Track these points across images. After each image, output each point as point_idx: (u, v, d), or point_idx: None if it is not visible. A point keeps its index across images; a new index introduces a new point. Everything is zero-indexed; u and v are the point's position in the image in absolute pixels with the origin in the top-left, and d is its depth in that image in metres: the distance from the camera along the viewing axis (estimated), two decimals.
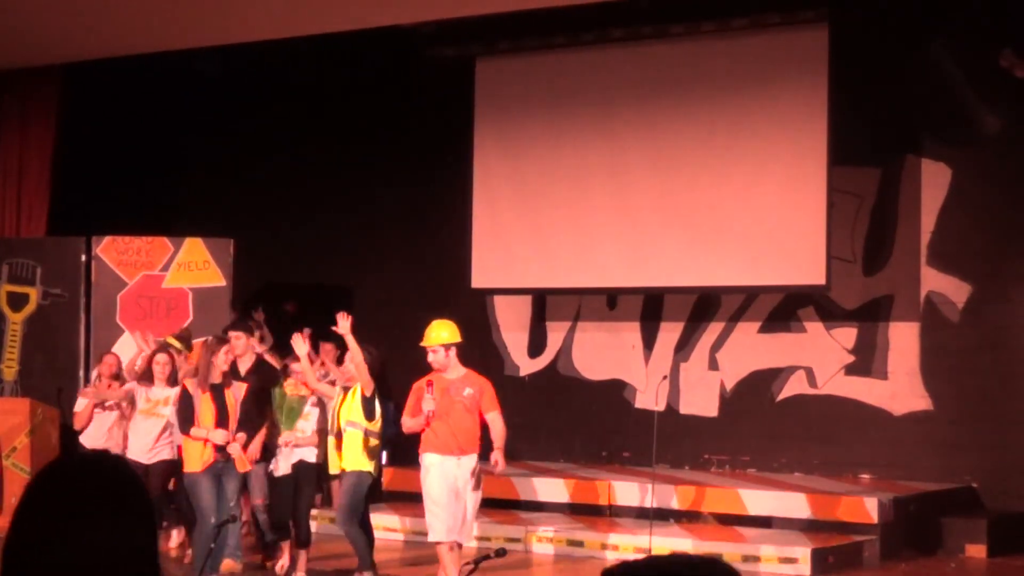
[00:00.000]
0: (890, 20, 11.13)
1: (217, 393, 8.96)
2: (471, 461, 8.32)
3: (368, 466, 8.67)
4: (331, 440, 8.85)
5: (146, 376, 9.73)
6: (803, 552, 9.69)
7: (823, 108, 11.14)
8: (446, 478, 8.20)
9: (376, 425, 8.69)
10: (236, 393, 8.97)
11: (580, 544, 10.37)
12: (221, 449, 8.86)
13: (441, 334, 8.27)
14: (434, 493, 8.27)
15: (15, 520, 2.04)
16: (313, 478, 9.23)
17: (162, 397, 9.54)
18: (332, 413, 8.84)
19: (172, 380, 9.57)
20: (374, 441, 8.68)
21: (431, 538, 8.45)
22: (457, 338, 8.34)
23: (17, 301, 12.60)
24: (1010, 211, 11.11)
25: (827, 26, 11.17)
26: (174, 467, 9.50)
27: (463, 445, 8.21)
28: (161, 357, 9.68)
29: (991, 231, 11.24)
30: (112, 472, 2.12)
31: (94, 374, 10.92)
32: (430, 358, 8.29)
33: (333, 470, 8.89)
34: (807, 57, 11.29)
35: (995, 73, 10.72)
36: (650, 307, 12.72)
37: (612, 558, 10.13)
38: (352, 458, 8.63)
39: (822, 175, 11.18)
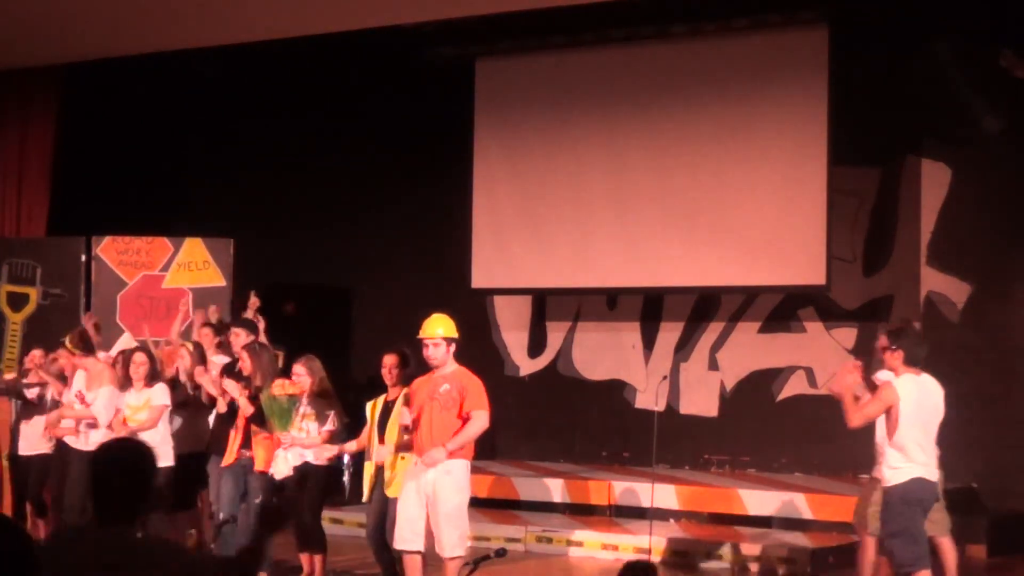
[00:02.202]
0: (890, 20, 11.13)
1: (254, 395, 9.00)
2: (443, 468, 7.70)
3: None
4: (368, 466, 8.42)
5: (125, 380, 9.28)
6: (803, 552, 9.69)
7: (823, 108, 11.15)
8: (414, 481, 7.80)
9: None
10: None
11: (580, 544, 10.37)
12: (245, 447, 8.87)
13: (436, 329, 7.86)
14: (400, 496, 7.93)
15: None
16: (321, 479, 8.76)
17: (140, 403, 9.11)
18: (370, 438, 8.44)
19: (151, 380, 9.16)
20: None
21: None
22: (452, 333, 7.89)
23: (17, 301, 12.60)
24: (1010, 211, 11.11)
25: (827, 26, 11.18)
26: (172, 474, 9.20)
27: (435, 446, 7.71)
28: (139, 357, 9.22)
29: (991, 231, 11.24)
30: None
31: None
32: (430, 351, 7.85)
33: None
34: (807, 57, 11.29)
35: (995, 73, 10.72)
36: (650, 307, 12.72)
37: (612, 558, 10.13)
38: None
39: (822, 175, 11.18)
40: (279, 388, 8.79)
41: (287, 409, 8.67)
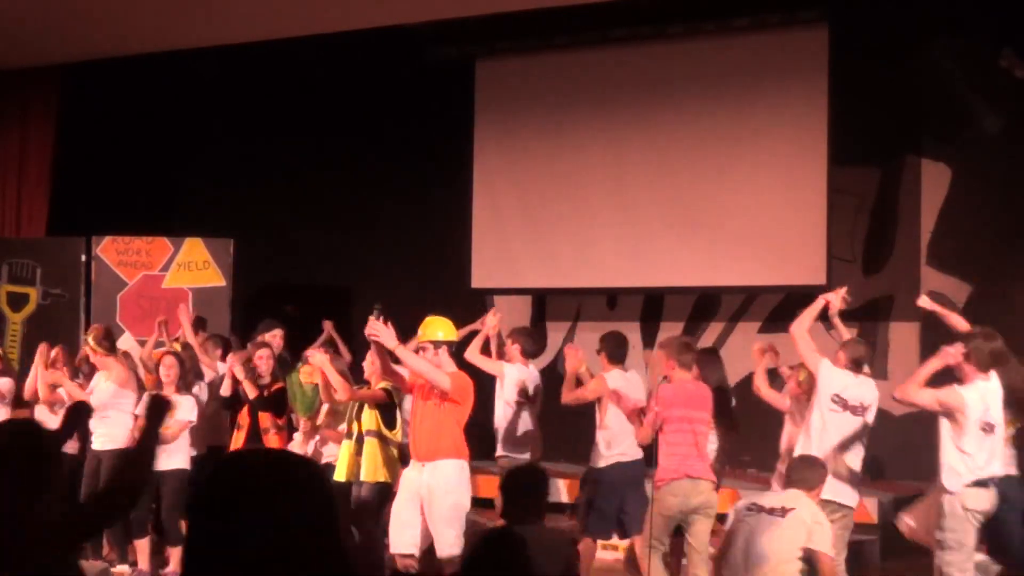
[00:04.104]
0: (890, 20, 11.13)
1: (259, 396, 9.00)
2: (436, 469, 7.74)
3: (385, 477, 8.26)
4: (347, 444, 8.39)
5: (156, 383, 9.30)
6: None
7: (823, 108, 11.15)
8: (409, 485, 7.80)
9: (397, 435, 8.33)
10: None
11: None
12: (255, 442, 8.91)
13: (436, 332, 7.87)
14: (395, 500, 7.95)
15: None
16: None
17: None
18: (349, 417, 8.49)
19: (181, 386, 9.12)
20: (393, 451, 8.33)
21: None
22: (450, 337, 7.92)
23: (17, 301, 12.59)
24: (1010, 211, 11.10)
25: (827, 26, 11.18)
26: (187, 476, 9.18)
27: (429, 450, 7.71)
28: (168, 360, 9.18)
29: (991, 231, 11.23)
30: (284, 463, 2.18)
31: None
32: (419, 355, 7.87)
33: (341, 477, 8.28)
34: (807, 57, 11.29)
35: (995, 73, 10.72)
36: (650, 307, 12.72)
37: (612, 558, 10.12)
38: (370, 469, 8.22)
39: (822, 175, 11.18)
40: (307, 376, 8.84)
41: (311, 397, 8.71)
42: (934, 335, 11.42)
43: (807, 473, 6.82)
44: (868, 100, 11.39)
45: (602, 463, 8.65)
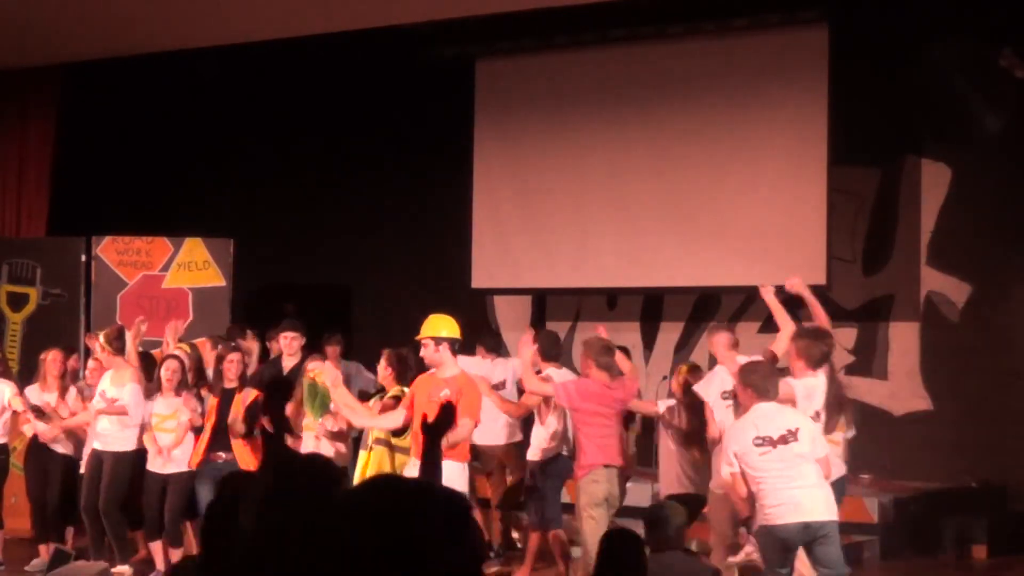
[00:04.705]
0: (890, 20, 11.13)
1: (225, 399, 8.94)
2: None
3: None
4: (364, 455, 8.26)
5: (153, 385, 9.23)
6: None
7: (823, 108, 11.15)
8: None
9: (405, 440, 8.12)
10: (246, 398, 8.92)
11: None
12: (216, 449, 8.84)
13: (440, 329, 7.81)
14: None
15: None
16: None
17: (169, 412, 9.06)
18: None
19: (181, 388, 9.09)
20: (402, 458, 8.13)
21: None
22: (453, 334, 7.84)
23: (17, 301, 12.58)
24: (1010, 211, 11.11)
25: (827, 26, 11.18)
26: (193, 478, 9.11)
27: None
28: (171, 363, 9.13)
29: (991, 231, 11.24)
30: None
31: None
32: (421, 352, 7.88)
33: None
34: (807, 57, 11.29)
35: (995, 73, 10.72)
36: (650, 307, 12.71)
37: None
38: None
39: (822, 175, 11.18)
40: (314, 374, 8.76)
41: (326, 396, 8.62)
42: (934, 335, 11.46)
43: (771, 382, 7.04)
44: (868, 100, 11.39)
45: (545, 455, 8.83)
